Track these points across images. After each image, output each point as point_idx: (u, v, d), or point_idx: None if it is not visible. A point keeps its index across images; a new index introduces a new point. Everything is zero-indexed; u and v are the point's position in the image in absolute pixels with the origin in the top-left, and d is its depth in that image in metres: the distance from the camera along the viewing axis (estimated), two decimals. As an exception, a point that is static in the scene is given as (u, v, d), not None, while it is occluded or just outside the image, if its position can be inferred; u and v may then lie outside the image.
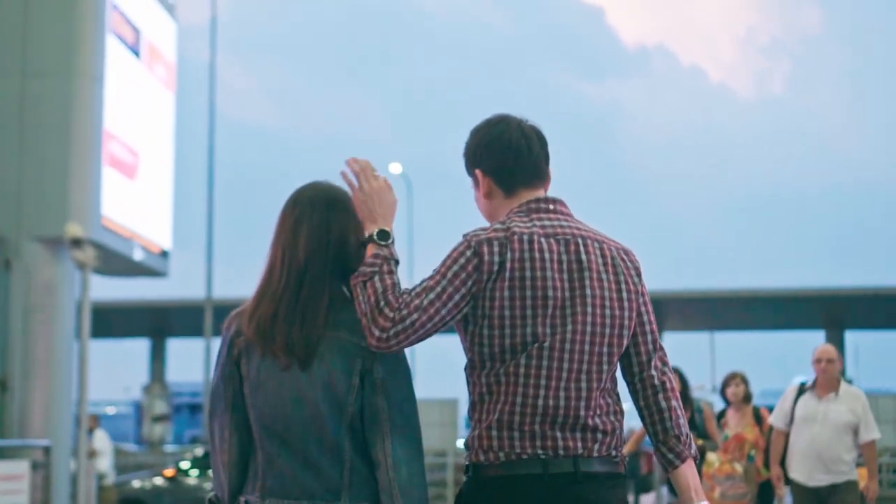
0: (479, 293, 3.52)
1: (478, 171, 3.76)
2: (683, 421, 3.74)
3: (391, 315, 3.44)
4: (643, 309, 3.73)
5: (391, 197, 3.65)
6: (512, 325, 3.52)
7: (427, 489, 3.52)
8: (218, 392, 3.59)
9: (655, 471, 19.96)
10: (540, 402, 3.53)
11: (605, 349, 3.61)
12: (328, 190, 3.64)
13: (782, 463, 9.96)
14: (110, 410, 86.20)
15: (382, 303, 3.45)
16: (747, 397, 11.93)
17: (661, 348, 3.79)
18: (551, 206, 3.68)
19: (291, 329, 3.47)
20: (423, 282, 3.53)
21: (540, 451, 3.54)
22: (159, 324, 52.86)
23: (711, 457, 11.38)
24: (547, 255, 3.55)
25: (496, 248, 3.51)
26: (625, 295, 3.65)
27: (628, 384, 3.77)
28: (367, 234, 3.59)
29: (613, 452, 3.65)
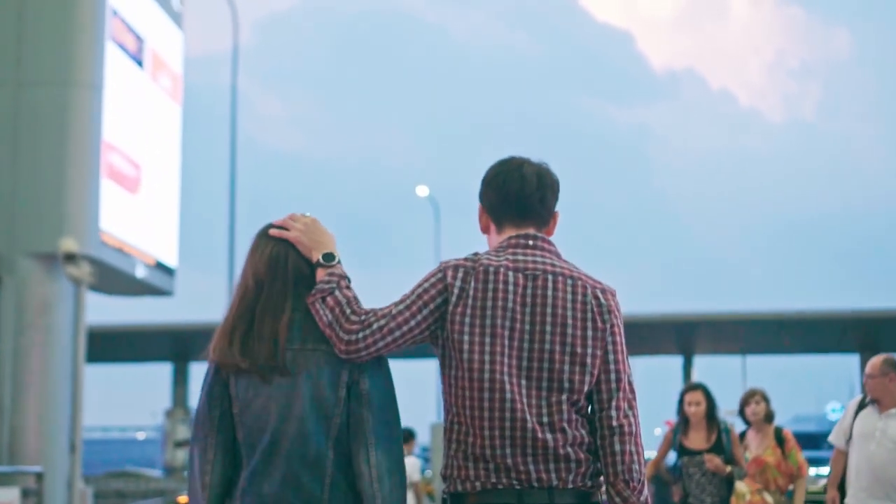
0: (447, 315, 3.70)
1: (480, 206, 4.00)
2: (637, 466, 3.74)
3: (357, 320, 3.62)
4: (610, 348, 3.78)
5: (323, 228, 3.85)
6: (470, 351, 3.65)
7: (406, 500, 3.63)
8: (203, 413, 3.68)
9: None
10: (507, 433, 3.64)
11: (564, 385, 3.69)
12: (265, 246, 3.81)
13: (841, 486, 8.82)
14: (140, 436, 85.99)
15: (348, 311, 3.64)
16: (769, 416, 10.85)
17: (628, 390, 3.80)
18: (531, 243, 3.84)
19: (253, 348, 3.61)
20: (397, 298, 3.73)
21: (515, 482, 3.64)
22: (182, 348, 52.16)
23: (741, 487, 10.29)
24: (511, 288, 3.70)
25: (460, 275, 3.71)
26: (590, 333, 3.73)
27: (589, 422, 3.80)
28: (314, 261, 3.77)
29: (589, 483, 3.72)
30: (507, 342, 3.67)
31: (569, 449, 3.68)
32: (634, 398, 3.83)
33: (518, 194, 3.90)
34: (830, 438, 9.11)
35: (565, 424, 3.68)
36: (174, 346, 51.14)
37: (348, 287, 3.73)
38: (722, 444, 10.23)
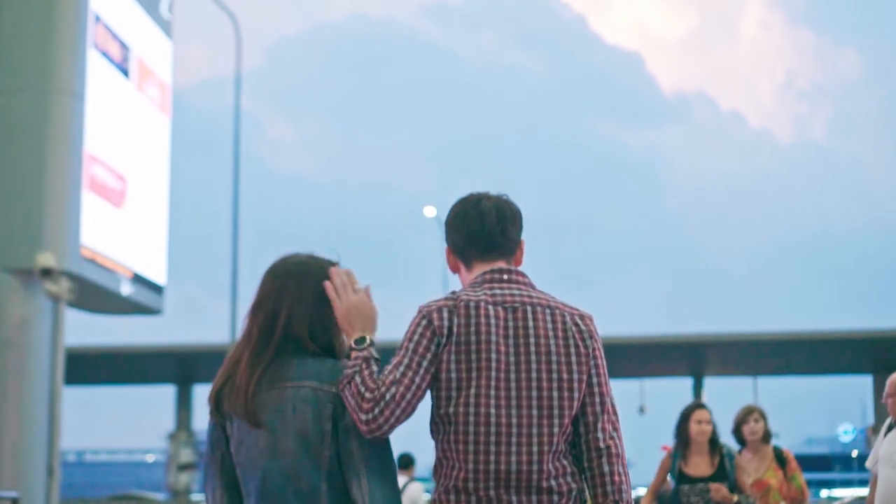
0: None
1: (447, 248, 4.03)
2: (626, 487, 3.81)
3: (371, 396, 3.61)
4: (594, 372, 3.84)
5: (370, 309, 3.83)
6: (458, 388, 3.70)
7: None
8: (208, 456, 3.78)
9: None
10: (492, 467, 3.69)
11: (555, 412, 3.75)
12: (286, 261, 3.86)
13: None
14: (150, 458, 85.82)
15: (363, 389, 3.62)
16: (767, 436, 9.97)
17: (612, 412, 3.88)
18: (505, 277, 3.88)
19: (236, 396, 3.69)
20: (392, 360, 3.71)
21: None
22: (185, 370, 51.67)
23: (747, 517, 9.42)
24: (493, 321, 3.75)
25: (445, 314, 3.74)
26: (574, 358, 3.80)
27: (574, 445, 3.86)
28: (348, 342, 3.79)
29: None
30: (493, 374, 3.72)
31: (552, 482, 3.74)
32: (618, 420, 3.90)
33: (480, 230, 3.95)
34: (867, 463, 8.28)
35: (550, 456, 3.75)
36: (178, 368, 50.59)
37: (369, 367, 3.70)
38: (725, 470, 9.35)
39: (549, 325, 3.82)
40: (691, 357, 39.88)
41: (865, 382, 42.79)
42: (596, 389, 3.84)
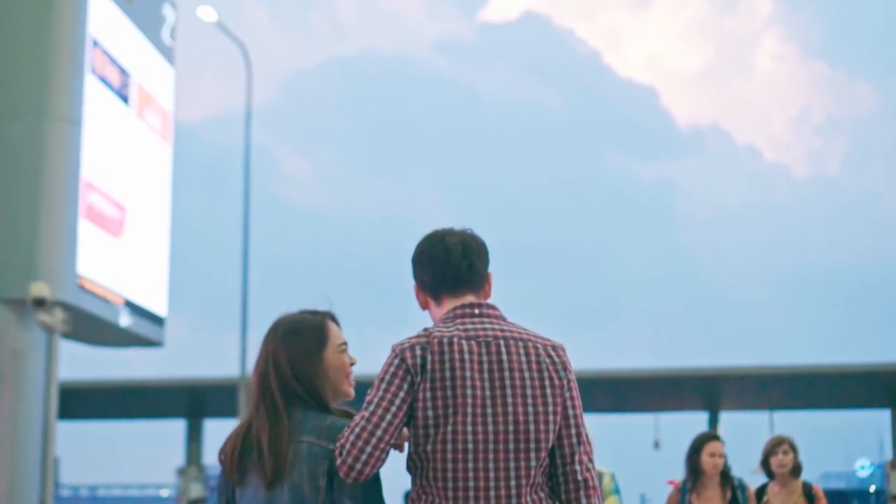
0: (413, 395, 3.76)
1: (415, 285, 4.04)
2: None
3: (343, 435, 3.72)
4: (569, 403, 3.88)
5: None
6: (435, 425, 3.73)
7: None
8: (217, 500, 3.97)
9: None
10: (471, 502, 3.71)
11: (531, 444, 3.78)
12: (287, 320, 4.01)
13: None
14: (164, 493, 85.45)
15: (343, 433, 3.73)
16: (797, 469, 9.34)
17: (587, 443, 3.91)
18: (476, 311, 3.90)
19: (250, 460, 3.84)
20: (366, 398, 3.75)
21: None
22: (196, 404, 51.24)
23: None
24: (466, 356, 3.78)
25: (418, 352, 3.77)
26: (548, 391, 3.82)
27: (550, 477, 3.88)
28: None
29: None
30: (469, 410, 3.74)
31: None
32: (592, 451, 3.95)
33: (446, 266, 3.96)
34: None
35: (528, 489, 3.76)
36: (188, 402, 50.15)
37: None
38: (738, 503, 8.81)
39: (523, 358, 3.84)
40: (707, 391, 39.43)
41: (883, 417, 42.22)
42: (572, 421, 3.90)
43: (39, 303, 15.42)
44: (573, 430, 3.88)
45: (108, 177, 18.31)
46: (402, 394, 3.73)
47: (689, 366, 37.81)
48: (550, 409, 3.82)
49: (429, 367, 3.74)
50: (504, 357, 3.82)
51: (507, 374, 3.79)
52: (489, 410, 3.74)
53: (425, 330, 3.88)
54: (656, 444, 41.01)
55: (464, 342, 3.80)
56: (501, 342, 3.84)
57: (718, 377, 36.86)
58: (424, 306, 4.08)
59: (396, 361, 3.77)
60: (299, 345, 3.96)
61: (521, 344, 3.86)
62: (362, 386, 3.87)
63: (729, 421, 44.09)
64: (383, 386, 3.74)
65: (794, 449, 9.32)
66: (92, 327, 18.03)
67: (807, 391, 42.56)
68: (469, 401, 3.73)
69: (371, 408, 3.71)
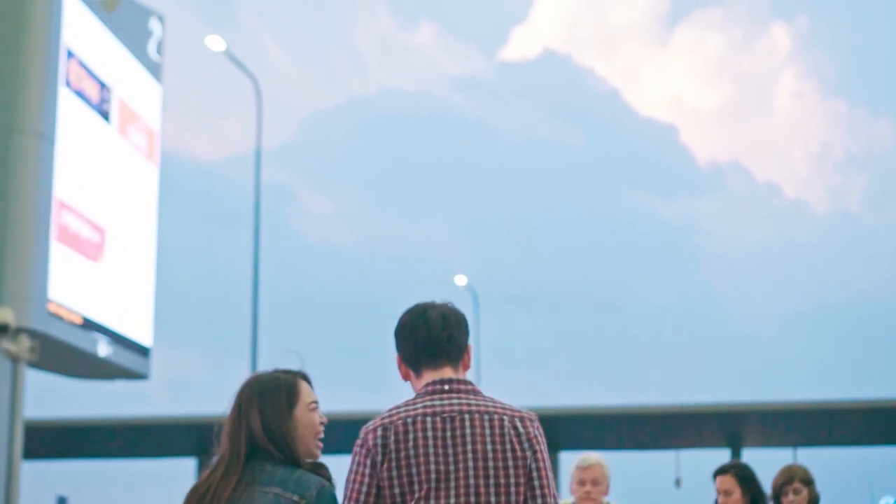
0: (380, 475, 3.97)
1: (397, 357, 4.24)
2: None
3: None
4: (534, 474, 4.02)
5: None
6: (403, 501, 3.91)
7: None
8: None
9: None
10: None
11: None
12: (260, 378, 4.19)
13: None
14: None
15: None
16: None
17: None
18: (446, 387, 4.09)
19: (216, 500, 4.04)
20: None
21: None
22: (206, 441, 50.29)
23: None
24: (430, 434, 3.98)
25: (379, 433, 3.99)
26: (511, 462, 3.98)
27: None
28: None
29: None
30: (433, 485, 3.91)
31: None
32: None
33: (426, 339, 4.13)
34: None
35: None
36: (198, 439, 49.19)
37: None
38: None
39: (487, 432, 3.99)
40: (729, 427, 38.47)
41: (912, 453, 41.31)
42: (538, 492, 4.02)
43: (2, 329, 14.28)
44: (539, 501, 4.00)
45: (85, 197, 17.20)
46: (367, 479, 3.96)
47: (711, 402, 36.90)
48: (512, 480, 3.96)
49: (392, 446, 3.95)
50: (468, 431, 3.98)
51: (469, 447, 3.96)
52: (451, 485, 3.92)
53: (397, 407, 4.06)
54: (678, 482, 40.12)
55: (428, 419, 3.98)
56: (466, 416, 4.00)
57: (740, 413, 36.07)
58: (406, 377, 4.23)
59: (360, 445, 4.01)
60: (271, 402, 4.09)
61: (486, 417, 4.01)
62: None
63: (751, 458, 42.97)
64: (353, 474, 3.99)
65: (806, 484, 7.89)
66: (67, 357, 16.91)
67: (830, 427, 41.63)
68: (432, 476, 3.91)
69: (346, 492, 3.98)
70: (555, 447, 28.99)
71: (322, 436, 4.16)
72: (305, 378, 4.20)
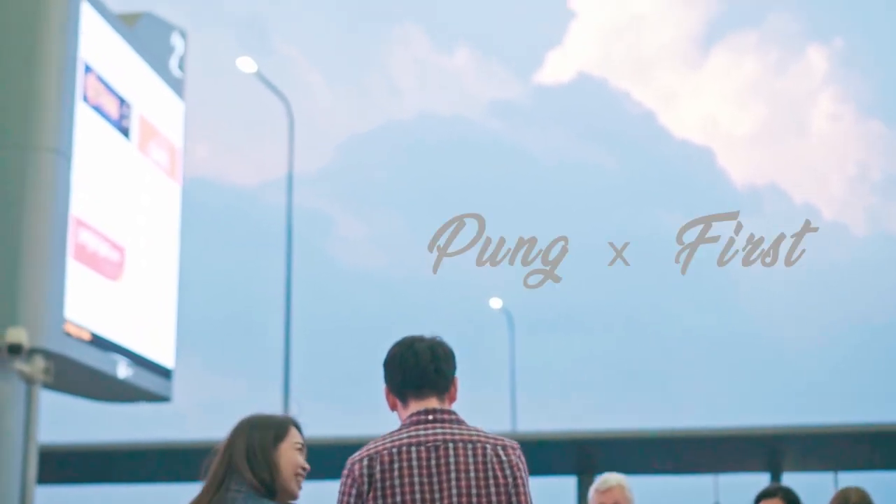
0: None
1: (385, 387, 4.38)
2: None
3: None
4: (514, 500, 4.16)
5: None
6: None
7: None
8: None
9: None
10: None
11: None
12: (255, 416, 4.34)
13: None
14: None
15: None
16: None
17: None
18: (430, 417, 4.23)
19: None
20: None
21: None
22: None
23: None
24: (415, 463, 4.12)
25: (365, 464, 4.13)
26: (493, 489, 4.13)
27: None
28: None
29: None
30: None
31: None
32: None
33: (414, 370, 4.27)
34: None
35: None
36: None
37: None
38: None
39: (470, 460, 4.14)
40: (768, 451, 37.84)
41: (955, 477, 40.46)
42: None
43: (15, 349, 13.87)
44: None
45: (103, 215, 16.80)
46: None
47: (750, 425, 36.24)
48: None
49: (377, 476, 4.08)
50: (451, 460, 4.13)
51: (452, 475, 4.10)
52: None
53: (382, 438, 4.19)
54: (716, 508, 39.56)
55: (413, 449, 4.13)
56: (450, 445, 4.15)
57: (780, 436, 35.46)
58: (393, 407, 4.36)
59: (346, 476, 4.15)
60: (259, 435, 4.24)
61: (469, 446, 4.17)
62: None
63: (791, 482, 42.34)
64: (340, 499, 4.15)
65: (790, 501, 7.31)
66: (85, 379, 16.48)
67: (872, 450, 40.94)
68: None
69: None
70: (590, 471, 28.40)
71: (303, 478, 4.27)
72: (296, 425, 4.34)
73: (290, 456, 4.23)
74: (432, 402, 4.25)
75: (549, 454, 33.72)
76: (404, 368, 4.27)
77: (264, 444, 4.21)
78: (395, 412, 4.37)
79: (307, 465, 4.28)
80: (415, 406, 4.25)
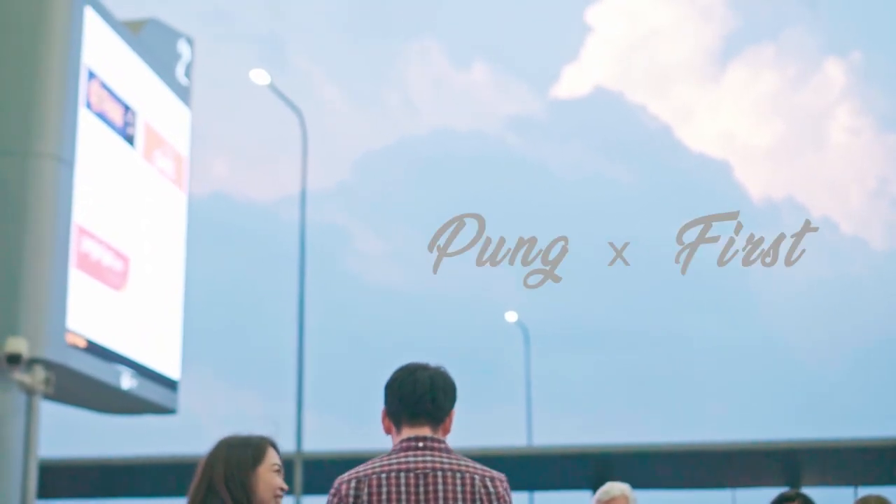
0: None
1: (383, 410, 4.39)
2: None
3: None
4: None
5: None
6: None
7: None
8: None
9: None
10: None
11: None
12: (233, 437, 4.40)
13: None
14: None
15: None
16: None
17: None
18: (420, 444, 4.25)
19: None
20: None
21: None
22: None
23: None
24: (403, 489, 4.14)
25: (353, 485, 4.15)
26: None
27: None
28: None
29: None
30: None
31: None
32: None
33: (411, 397, 4.28)
34: None
35: None
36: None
37: None
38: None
39: (459, 489, 4.19)
40: (787, 465, 37.63)
41: (977, 492, 39.97)
42: None
43: (14, 359, 13.59)
44: None
45: (107, 223, 16.51)
46: None
47: (768, 439, 36.06)
48: None
49: (364, 499, 4.10)
50: (440, 487, 4.16)
51: (441, 503, 4.12)
52: None
53: (372, 462, 4.20)
54: (734, 522, 39.28)
55: (402, 475, 4.14)
56: (439, 474, 4.17)
57: (799, 451, 35.39)
58: (388, 431, 4.37)
59: (332, 494, 4.15)
60: (237, 456, 4.30)
61: (458, 475, 4.19)
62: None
63: (811, 497, 42.10)
64: None
65: None
66: (88, 390, 16.18)
67: (893, 465, 40.61)
68: None
69: None
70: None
71: (282, 499, 4.33)
72: (274, 445, 4.40)
73: (268, 479, 4.30)
74: (425, 431, 4.27)
75: (565, 468, 33.40)
76: (402, 395, 4.29)
77: (242, 466, 4.28)
78: (389, 435, 4.40)
79: (285, 486, 4.33)
80: (408, 432, 4.27)
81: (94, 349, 15.89)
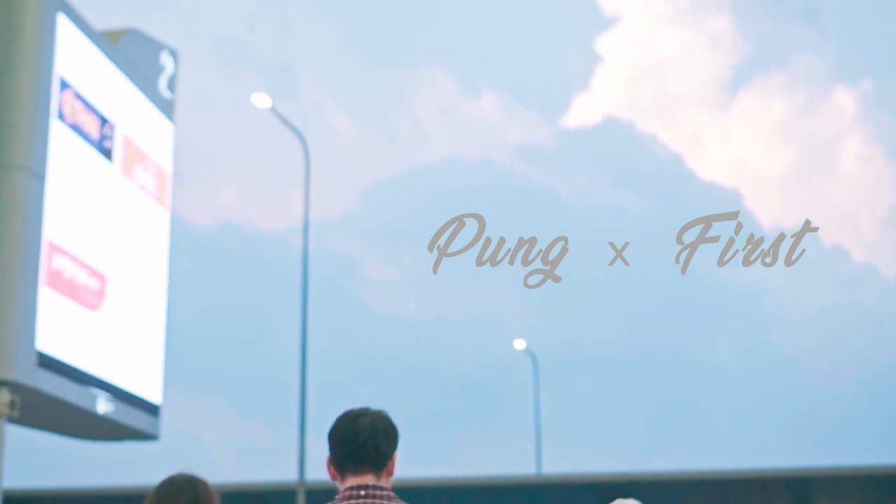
0: None
1: (328, 458, 4.38)
2: None
3: None
4: None
5: None
6: None
7: None
8: None
9: None
10: None
11: None
12: (167, 481, 4.55)
13: None
14: None
15: None
16: None
17: None
18: (363, 493, 4.25)
19: None
20: None
21: None
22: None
23: None
24: None
25: None
26: None
27: None
28: None
29: None
30: None
31: None
32: None
33: (353, 444, 4.29)
34: None
35: None
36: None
37: None
38: None
39: None
40: (798, 492, 37.25)
41: None
42: None
43: (-25, 381, 12.85)
44: None
45: (81, 240, 15.81)
46: None
47: (779, 466, 35.64)
48: None
49: None
50: None
51: None
52: None
53: None
54: (745, 552, 38.63)
55: None
56: None
57: (810, 478, 35.21)
58: (334, 479, 4.38)
59: None
60: (202, 492, 4.52)
61: None
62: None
63: (823, 526, 41.63)
64: None
65: None
66: (60, 414, 15.44)
67: (907, 493, 40.10)
68: None
69: None
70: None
71: None
72: (206, 486, 4.55)
73: None
74: (368, 479, 4.27)
75: (574, 497, 32.77)
76: (345, 443, 4.30)
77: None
78: (336, 482, 4.39)
79: None
80: (351, 481, 4.26)
81: (65, 371, 15.16)
